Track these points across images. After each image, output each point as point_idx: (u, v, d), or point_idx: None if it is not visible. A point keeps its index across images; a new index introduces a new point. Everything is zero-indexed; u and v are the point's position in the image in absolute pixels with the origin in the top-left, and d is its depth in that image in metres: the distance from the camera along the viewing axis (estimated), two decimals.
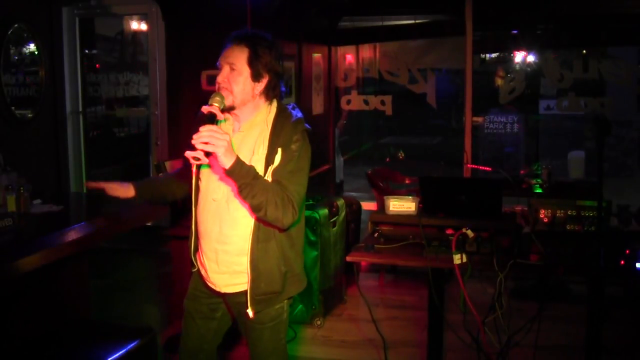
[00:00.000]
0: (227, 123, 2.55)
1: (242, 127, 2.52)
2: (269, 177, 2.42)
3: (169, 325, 4.46)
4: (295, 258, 2.59)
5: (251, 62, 2.44)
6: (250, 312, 2.50)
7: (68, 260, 3.11)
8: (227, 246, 2.51)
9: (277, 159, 2.42)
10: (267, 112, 2.52)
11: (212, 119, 2.35)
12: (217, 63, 2.49)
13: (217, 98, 2.42)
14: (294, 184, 2.43)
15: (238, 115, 2.52)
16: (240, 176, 2.31)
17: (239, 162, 2.31)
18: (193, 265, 2.68)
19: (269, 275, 2.50)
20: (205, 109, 2.39)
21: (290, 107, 2.58)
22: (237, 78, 2.44)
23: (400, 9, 6.29)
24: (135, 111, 7.70)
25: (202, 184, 2.57)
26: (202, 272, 2.63)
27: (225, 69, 2.46)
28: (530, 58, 6.89)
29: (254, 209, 2.38)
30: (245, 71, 2.44)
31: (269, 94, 2.51)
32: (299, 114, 2.54)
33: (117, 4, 6.38)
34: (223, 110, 2.46)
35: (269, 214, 2.36)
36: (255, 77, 2.46)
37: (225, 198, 2.49)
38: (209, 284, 2.62)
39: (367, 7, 6.30)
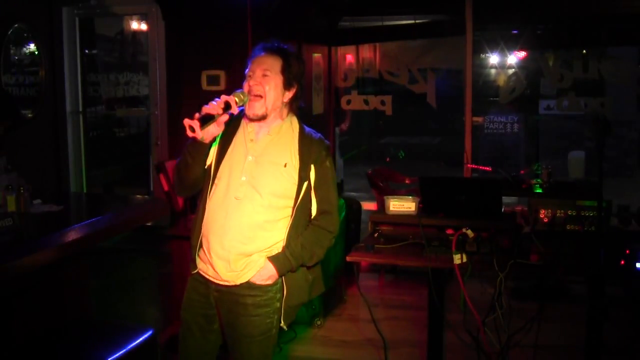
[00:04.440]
0: (250, 127, 2.62)
1: (271, 131, 2.61)
2: (305, 192, 2.57)
3: (169, 325, 4.46)
4: (318, 264, 2.74)
5: (284, 71, 2.58)
6: (284, 325, 2.63)
7: (68, 260, 3.11)
8: (244, 246, 2.53)
9: (312, 175, 2.58)
10: (290, 123, 2.64)
11: (226, 109, 2.48)
12: (247, 70, 2.59)
13: (241, 96, 2.54)
14: (337, 209, 2.69)
15: (264, 122, 2.60)
16: (290, 268, 2.57)
17: (283, 269, 2.55)
18: (194, 267, 2.65)
19: (300, 287, 2.65)
20: (224, 97, 2.49)
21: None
22: (270, 84, 2.56)
23: (400, 9, 6.29)
24: (135, 111, 7.70)
25: (220, 182, 2.57)
26: (208, 270, 2.60)
27: (258, 74, 2.56)
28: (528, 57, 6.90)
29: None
30: (278, 79, 2.57)
31: (293, 104, 2.65)
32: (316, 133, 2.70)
33: (117, 4, 6.38)
34: (254, 120, 2.58)
35: (321, 257, 2.68)
36: (287, 86, 2.60)
37: (249, 199, 2.52)
38: (209, 278, 2.60)
39: (367, 7, 6.30)
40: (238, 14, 5.04)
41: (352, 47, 6.48)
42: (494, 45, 6.20)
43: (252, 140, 2.59)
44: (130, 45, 8.45)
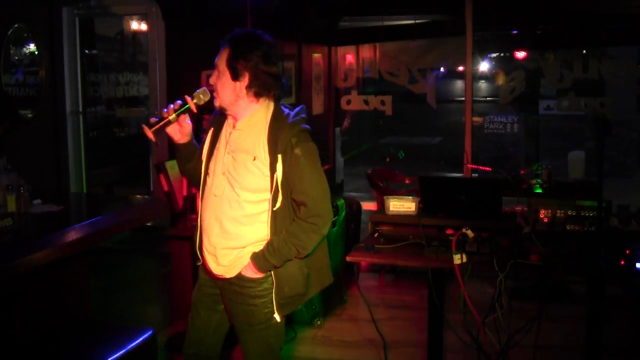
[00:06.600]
0: (229, 120, 2.60)
1: (238, 125, 2.55)
2: (278, 188, 2.45)
3: (170, 325, 4.46)
4: (318, 255, 2.63)
5: (229, 62, 2.46)
6: (277, 316, 2.56)
7: (68, 260, 3.11)
8: (228, 242, 2.53)
9: (279, 167, 2.43)
10: (264, 114, 2.53)
11: (184, 110, 2.53)
12: None
13: (201, 95, 2.53)
14: (317, 198, 2.48)
15: (235, 115, 2.56)
16: (272, 266, 2.50)
17: (263, 267, 2.49)
18: (198, 259, 2.70)
19: (292, 278, 2.56)
20: (187, 98, 2.53)
21: (297, 110, 2.58)
22: (221, 78, 2.49)
23: (400, 9, 6.29)
24: (135, 111, 7.70)
25: (209, 179, 2.61)
26: (207, 264, 2.65)
27: (215, 70, 2.52)
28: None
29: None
30: (226, 72, 2.48)
31: (257, 92, 2.49)
32: (300, 116, 2.53)
33: (117, 4, 6.38)
34: (222, 113, 2.56)
35: (309, 249, 2.52)
36: (234, 77, 2.46)
37: (226, 195, 2.52)
38: (212, 272, 2.64)
39: (367, 7, 6.30)
40: (238, 14, 5.04)
41: (352, 47, 6.49)
42: (494, 45, 6.20)
43: (230, 133, 2.57)
44: (130, 45, 8.46)
